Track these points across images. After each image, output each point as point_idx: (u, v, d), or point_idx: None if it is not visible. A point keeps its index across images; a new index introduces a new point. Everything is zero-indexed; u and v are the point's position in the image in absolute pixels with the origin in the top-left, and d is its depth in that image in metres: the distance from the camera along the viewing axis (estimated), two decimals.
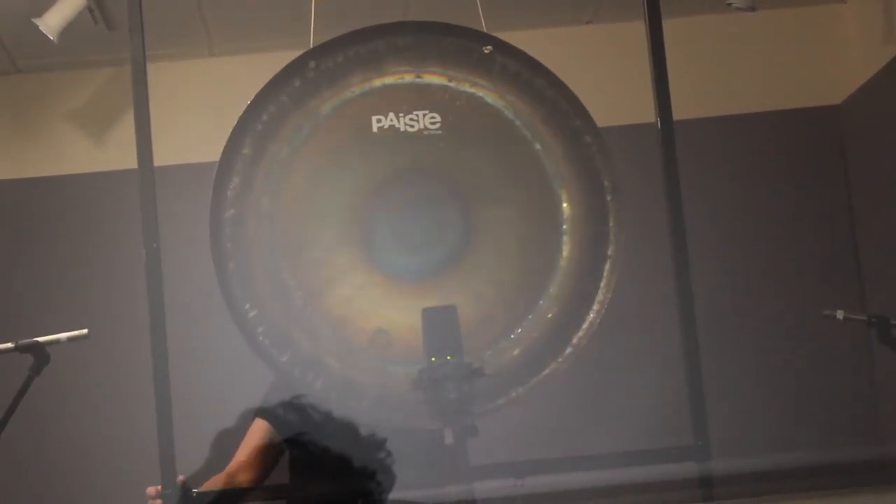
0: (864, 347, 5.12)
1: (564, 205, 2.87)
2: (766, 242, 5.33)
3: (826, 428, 5.14)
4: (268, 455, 3.26)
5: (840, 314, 3.65)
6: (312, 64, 2.80)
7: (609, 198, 2.87)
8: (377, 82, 2.83)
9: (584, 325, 2.83)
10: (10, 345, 3.36)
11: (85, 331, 3.37)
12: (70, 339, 3.37)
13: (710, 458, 2.68)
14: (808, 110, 5.42)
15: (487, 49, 2.86)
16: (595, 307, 2.84)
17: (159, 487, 2.62)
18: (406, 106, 2.82)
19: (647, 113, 2.87)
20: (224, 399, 4.34)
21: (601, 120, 2.90)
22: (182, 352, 2.94)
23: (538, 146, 2.87)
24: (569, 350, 2.82)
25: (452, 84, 2.85)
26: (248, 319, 2.73)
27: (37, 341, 3.36)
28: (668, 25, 2.83)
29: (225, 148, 2.74)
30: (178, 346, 2.72)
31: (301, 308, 2.76)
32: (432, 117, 2.83)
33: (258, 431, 3.28)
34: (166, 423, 2.58)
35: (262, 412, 3.28)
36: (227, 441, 4.28)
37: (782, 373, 5.20)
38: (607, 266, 2.85)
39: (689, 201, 2.77)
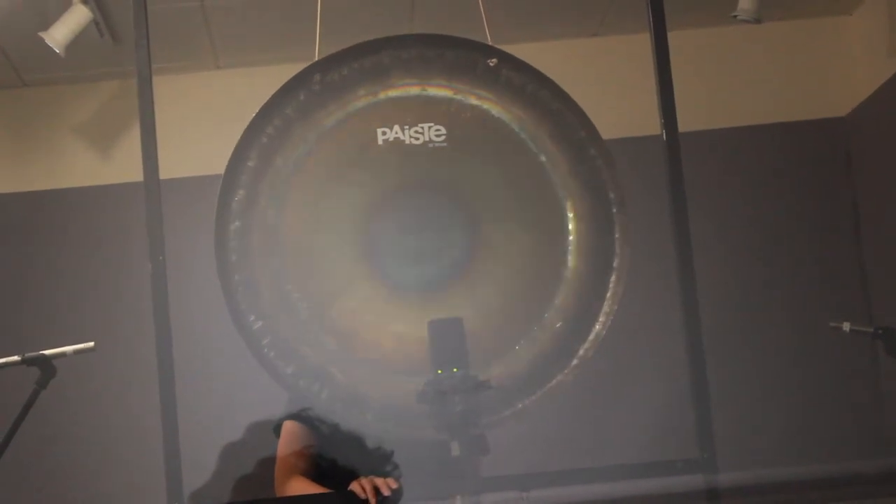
0: (870, 359, 5.11)
1: (570, 216, 2.87)
2: (771, 254, 5.32)
3: (833, 440, 5.13)
4: (310, 457, 3.18)
5: (846, 326, 3.63)
6: (317, 77, 2.80)
7: (614, 210, 2.87)
8: (382, 95, 2.84)
9: (591, 337, 2.83)
10: (16, 358, 3.34)
11: (91, 343, 3.36)
12: (76, 352, 3.35)
13: (716, 471, 2.68)
14: (814, 122, 5.42)
15: (492, 61, 2.86)
16: (601, 319, 2.84)
17: None
18: (411, 118, 2.83)
19: (652, 125, 2.88)
20: (230, 410, 4.35)
21: (606, 132, 2.90)
22: (188, 364, 2.94)
23: (543, 158, 2.87)
24: (575, 362, 2.82)
25: (457, 97, 2.86)
26: (254, 331, 2.73)
27: (43, 354, 3.34)
28: (673, 37, 2.83)
29: (230, 160, 2.75)
30: (183, 358, 2.72)
31: (306, 320, 2.76)
32: (437, 130, 2.83)
33: (296, 432, 3.18)
34: (172, 434, 2.58)
35: (290, 416, 3.22)
36: (233, 454, 4.28)
37: (789, 385, 5.19)
38: (613, 277, 2.85)
39: (694, 213, 2.77)
